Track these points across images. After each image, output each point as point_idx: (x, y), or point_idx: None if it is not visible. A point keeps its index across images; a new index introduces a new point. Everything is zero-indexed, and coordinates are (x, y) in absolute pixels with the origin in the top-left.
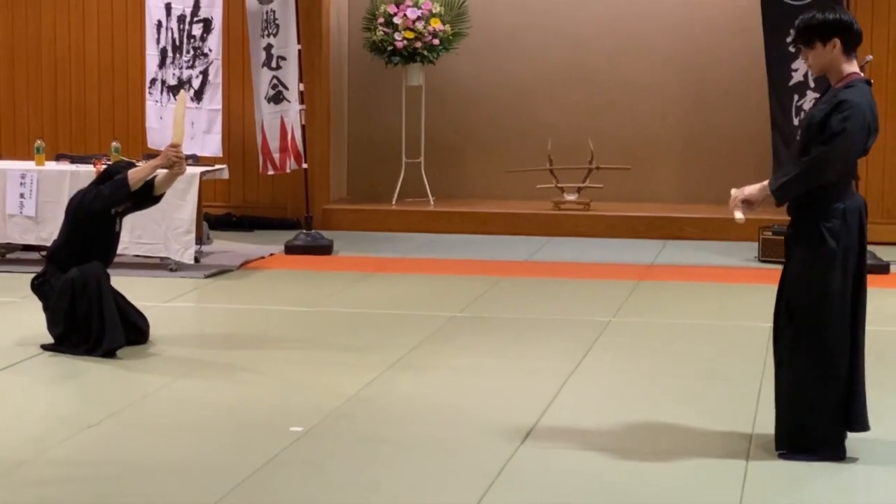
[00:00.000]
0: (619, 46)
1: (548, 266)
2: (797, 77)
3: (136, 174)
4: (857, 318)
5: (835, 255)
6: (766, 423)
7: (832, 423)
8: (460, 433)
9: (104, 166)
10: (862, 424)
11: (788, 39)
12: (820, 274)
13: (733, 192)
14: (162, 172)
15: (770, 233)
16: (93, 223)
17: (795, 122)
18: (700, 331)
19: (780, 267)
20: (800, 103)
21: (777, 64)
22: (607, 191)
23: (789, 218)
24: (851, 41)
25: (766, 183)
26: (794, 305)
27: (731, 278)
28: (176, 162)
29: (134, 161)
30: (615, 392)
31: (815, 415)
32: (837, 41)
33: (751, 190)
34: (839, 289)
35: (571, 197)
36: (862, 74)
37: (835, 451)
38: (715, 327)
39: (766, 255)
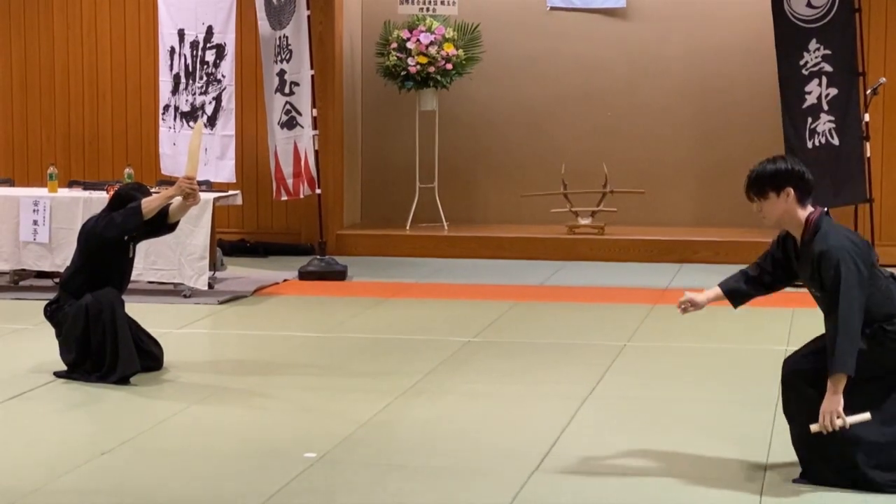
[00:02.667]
0: (634, 70)
1: (562, 290)
2: (811, 100)
3: (150, 203)
4: None
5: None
6: (780, 449)
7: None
8: (474, 459)
9: None
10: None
11: (801, 62)
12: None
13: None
14: (176, 201)
15: None
16: (106, 250)
17: (809, 144)
18: (715, 355)
19: (794, 290)
20: (813, 126)
21: (790, 87)
22: (621, 215)
23: None
24: (805, 189)
25: (718, 292)
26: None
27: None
28: (190, 193)
29: (143, 184)
30: (630, 417)
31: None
32: (791, 190)
33: (698, 297)
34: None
35: (586, 221)
36: (816, 212)
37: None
38: (730, 351)
39: None
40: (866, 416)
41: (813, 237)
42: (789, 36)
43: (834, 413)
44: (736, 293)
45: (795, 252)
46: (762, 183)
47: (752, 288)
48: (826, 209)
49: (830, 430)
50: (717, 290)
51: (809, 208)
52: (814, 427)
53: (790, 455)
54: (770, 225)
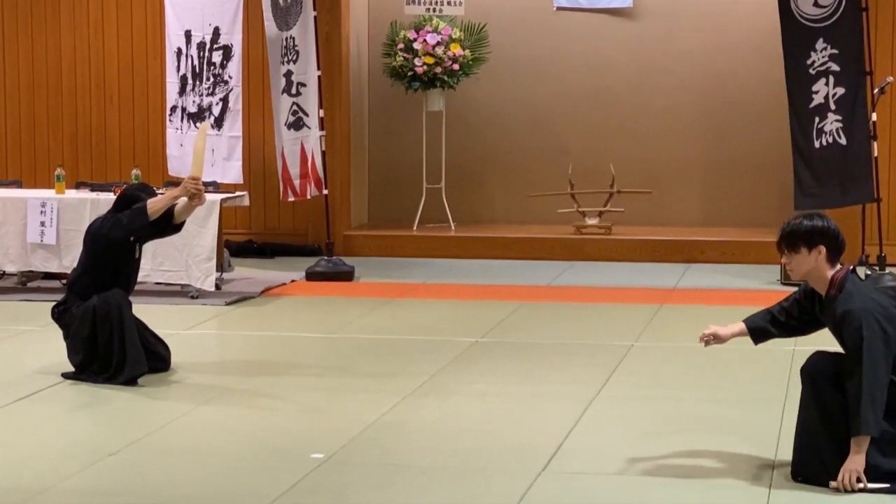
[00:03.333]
0: (641, 70)
1: (569, 290)
2: (818, 99)
3: (155, 204)
4: None
5: None
6: (789, 447)
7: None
8: (482, 459)
9: None
10: None
11: (808, 61)
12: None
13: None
14: (182, 201)
15: None
16: (112, 251)
17: (816, 144)
18: (722, 355)
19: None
20: (821, 125)
21: (797, 86)
22: (629, 215)
23: None
24: (836, 249)
25: (742, 327)
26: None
27: (754, 301)
28: (195, 194)
29: (148, 184)
30: (637, 417)
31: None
32: (823, 248)
33: (722, 331)
34: None
35: (593, 221)
36: (842, 270)
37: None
38: (737, 351)
39: (788, 279)
40: (886, 486)
41: (837, 295)
42: (796, 35)
43: (855, 474)
44: (760, 332)
45: (820, 305)
46: (796, 238)
47: (776, 330)
48: (852, 267)
49: (850, 489)
50: (742, 326)
51: (837, 266)
52: (832, 484)
53: None
54: (796, 278)
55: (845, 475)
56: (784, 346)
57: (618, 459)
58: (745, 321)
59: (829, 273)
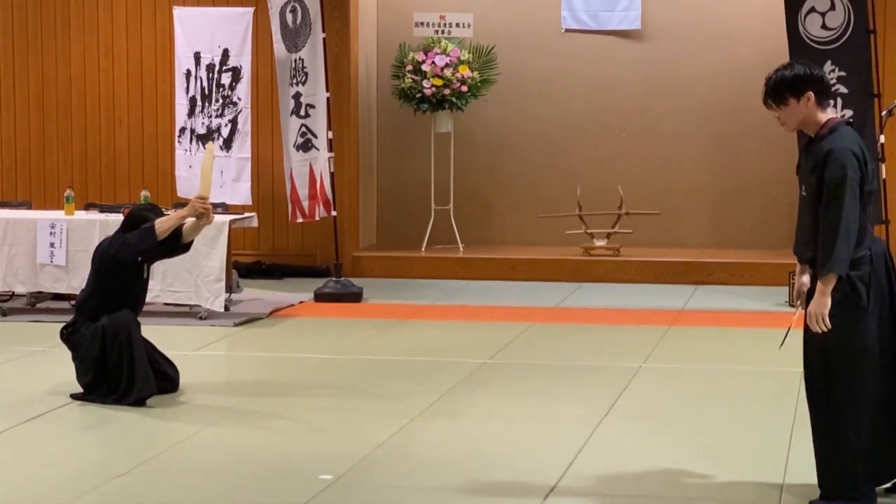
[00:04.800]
0: (649, 92)
1: (578, 312)
2: None
3: (163, 224)
4: (894, 369)
5: (867, 303)
6: (796, 470)
7: (862, 472)
8: (490, 480)
9: None
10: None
11: None
12: (853, 324)
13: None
14: (190, 221)
15: None
16: (120, 271)
17: None
18: (731, 376)
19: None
20: None
21: None
22: (637, 236)
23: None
24: (824, 92)
25: (801, 268)
26: (829, 356)
27: (762, 323)
28: (203, 213)
29: (156, 205)
30: (645, 439)
31: (845, 463)
32: (811, 94)
33: (804, 285)
34: (873, 339)
35: (601, 243)
36: (840, 119)
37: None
38: (746, 373)
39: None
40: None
41: (826, 135)
42: (804, 57)
43: (821, 315)
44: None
45: (808, 150)
46: (781, 89)
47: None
48: (850, 120)
49: (817, 330)
50: (800, 269)
51: (830, 112)
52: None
53: (806, 476)
54: (789, 131)
55: (811, 318)
56: (792, 368)
57: (626, 481)
58: (797, 258)
59: (823, 117)
